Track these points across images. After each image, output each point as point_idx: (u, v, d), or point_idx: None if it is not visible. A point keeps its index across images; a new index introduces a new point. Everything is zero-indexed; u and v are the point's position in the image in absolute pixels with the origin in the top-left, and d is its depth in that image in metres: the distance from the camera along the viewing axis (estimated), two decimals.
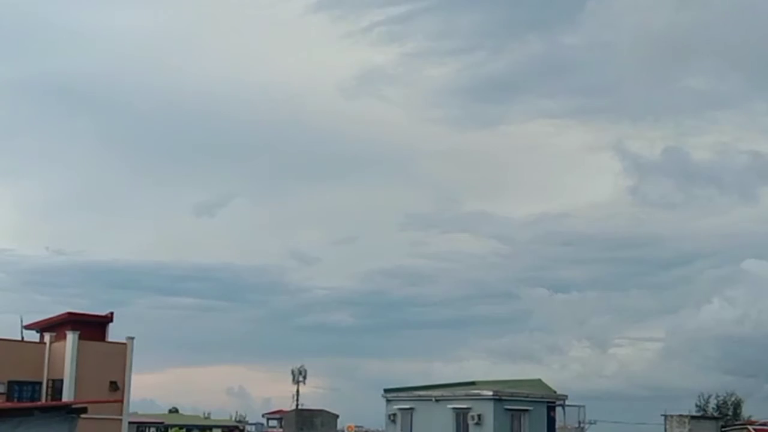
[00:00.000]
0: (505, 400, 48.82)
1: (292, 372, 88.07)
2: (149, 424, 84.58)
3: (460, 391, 50.98)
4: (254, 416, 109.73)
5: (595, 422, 53.84)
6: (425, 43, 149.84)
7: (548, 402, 51.05)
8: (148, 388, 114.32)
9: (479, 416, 48.30)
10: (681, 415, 58.25)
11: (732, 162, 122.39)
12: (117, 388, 42.43)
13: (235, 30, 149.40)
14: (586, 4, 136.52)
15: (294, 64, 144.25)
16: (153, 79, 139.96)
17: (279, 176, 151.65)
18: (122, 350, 43.90)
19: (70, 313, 45.10)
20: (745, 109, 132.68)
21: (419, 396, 52.87)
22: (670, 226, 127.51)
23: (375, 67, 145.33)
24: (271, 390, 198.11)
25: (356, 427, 76.36)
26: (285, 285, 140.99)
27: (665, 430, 57.52)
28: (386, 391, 55.29)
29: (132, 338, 44.57)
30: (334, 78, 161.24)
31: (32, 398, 41.68)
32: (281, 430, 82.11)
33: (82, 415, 22.32)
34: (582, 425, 52.27)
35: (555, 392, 52.91)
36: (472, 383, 52.02)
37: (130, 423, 47.57)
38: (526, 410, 49.35)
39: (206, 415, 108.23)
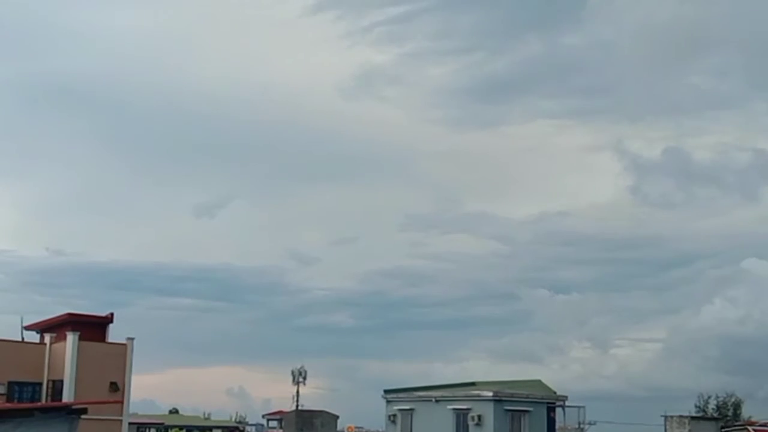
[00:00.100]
0: (505, 400, 48.87)
1: (292, 373, 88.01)
2: (149, 425, 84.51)
3: (460, 392, 51.03)
4: (254, 417, 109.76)
5: (595, 423, 53.89)
6: (425, 43, 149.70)
7: (548, 403, 51.09)
8: (148, 389, 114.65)
9: (479, 417, 48.33)
10: (681, 416, 58.23)
11: (733, 162, 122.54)
12: (117, 388, 42.45)
13: (235, 30, 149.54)
14: (587, 3, 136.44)
15: (293, 64, 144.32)
16: (153, 79, 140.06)
17: (279, 177, 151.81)
18: (122, 351, 43.92)
19: (70, 314, 45.11)
20: (746, 109, 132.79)
21: (419, 397, 52.91)
22: (670, 227, 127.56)
23: (375, 67, 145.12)
24: (271, 391, 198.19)
25: (356, 427, 76.37)
26: (285, 286, 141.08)
27: (665, 430, 57.49)
28: (386, 391, 55.34)
29: (132, 339, 44.60)
30: (333, 78, 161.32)
31: (32, 399, 41.68)
32: (281, 430, 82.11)
33: (83, 416, 22.32)
34: (582, 426, 52.31)
35: (555, 393, 52.95)
36: (472, 384, 52.06)
37: (130, 424, 47.56)
38: (526, 411, 49.40)
39: (206, 415, 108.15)
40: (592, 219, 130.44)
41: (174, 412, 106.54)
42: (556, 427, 51.10)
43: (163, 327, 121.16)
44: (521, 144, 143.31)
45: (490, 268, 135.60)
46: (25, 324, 46.36)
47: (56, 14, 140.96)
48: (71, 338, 42.34)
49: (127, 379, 43.59)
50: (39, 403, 37.34)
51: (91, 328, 44.10)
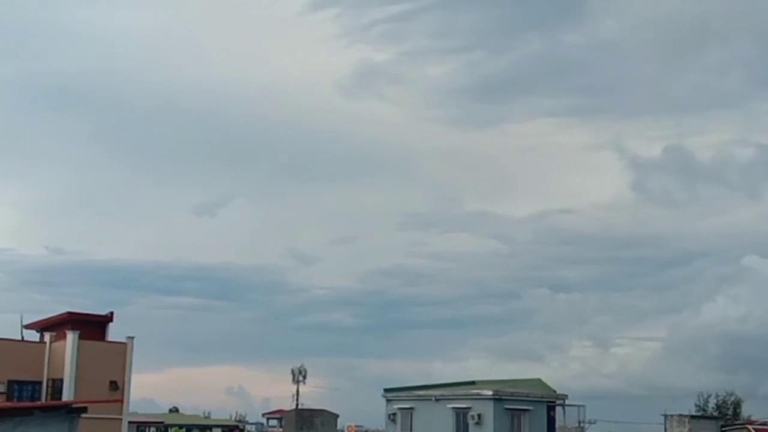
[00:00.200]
0: (505, 399, 48.83)
1: (292, 372, 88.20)
2: (149, 424, 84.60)
3: (460, 391, 50.99)
4: (254, 416, 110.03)
5: (594, 422, 53.93)
6: (425, 42, 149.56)
7: (548, 402, 51.06)
8: (148, 388, 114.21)
9: (479, 416, 48.31)
10: (681, 415, 58.26)
11: (734, 160, 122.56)
12: (117, 387, 42.44)
13: (235, 29, 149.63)
14: (587, 1, 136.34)
15: (293, 63, 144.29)
16: (153, 79, 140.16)
17: (278, 176, 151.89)
18: (122, 350, 43.90)
19: (70, 313, 45.11)
20: (747, 107, 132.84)
21: (419, 396, 52.89)
22: (671, 225, 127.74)
23: (374, 66, 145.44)
24: (271, 390, 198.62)
25: (356, 426, 76.36)
26: (285, 285, 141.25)
27: (665, 429, 57.52)
28: (386, 390, 55.33)
29: (132, 338, 44.58)
30: (333, 77, 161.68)
31: (32, 398, 41.66)
32: (281, 429, 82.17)
33: (82, 415, 22.30)
34: (582, 425, 52.31)
35: (555, 392, 52.93)
36: (472, 383, 52.02)
37: (130, 422, 47.57)
38: (526, 410, 49.36)
39: (206, 414, 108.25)
40: (593, 218, 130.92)
41: (174, 411, 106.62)
42: (556, 426, 51.08)
43: (163, 326, 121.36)
44: (521, 143, 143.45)
45: (490, 267, 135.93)
46: (25, 323, 46.45)
47: (56, 14, 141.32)
48: (71, 337, 42.31)
49: (127, 378, 43.57)
50: (39, 402, 37.32)
51: (91, 326, 44.08)
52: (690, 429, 56.15)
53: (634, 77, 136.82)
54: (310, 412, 72.28)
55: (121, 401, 42.12)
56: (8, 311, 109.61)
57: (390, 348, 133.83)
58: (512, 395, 49.44)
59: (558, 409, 51.47)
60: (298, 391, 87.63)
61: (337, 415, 72.60)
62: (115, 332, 45.33)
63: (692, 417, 59.42)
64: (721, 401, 75.20)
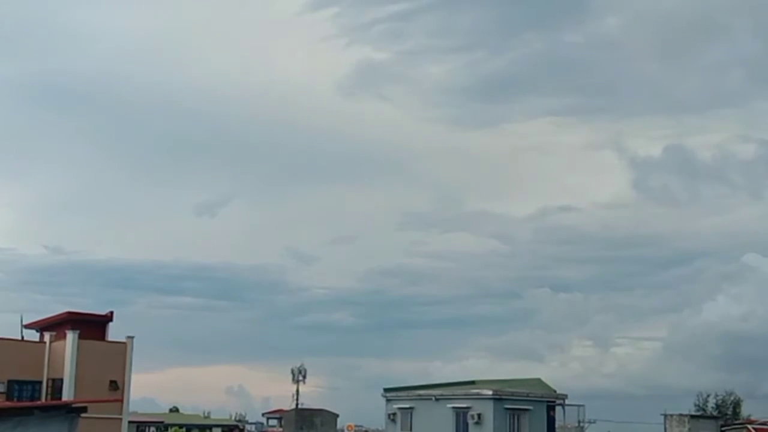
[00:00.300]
0: (505, 399, 48.87)
1: (292, 371, 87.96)
2: (149, 424, 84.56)
3: (460, 391, 51.02)
4: (254, 415, 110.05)
5: (594, 421, 53.98)
6: (425, 41, 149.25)
7: (548, 401, 51.09)
8: (148, 388, 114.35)
9: (479, 415, 48.34)
10: (681, 415, 58.32)
11: (735, 159, 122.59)
12: (117, 387, 42.43)
13: (234, 29, 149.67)
14: (587, 1, 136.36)
15: (293, 62, 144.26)
16: (153, 79, 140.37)
17: (278, 176, 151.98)
18: (122, 349, 43.88)
19: (69, 313, 45.11)
20: (748, 106, 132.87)
21: (419, 395, 52.91)
22: (671, 225, 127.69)
23: (374, 65, 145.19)
24: (270, 389, 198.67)
25: (356, 426, 76.35)
26: (285, 284, 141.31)
27: (665, 429, 57.58)
28: (386, 390, 55.35)
29: (132, 337, 44.55)
30: (332, 77, 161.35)
31: (32, 397, 41.64)
32: (281, 429, 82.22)
33: (82, 415, 22.33)
34: (582, 424, 52.35)
35: (555, 391, 52.95)
36: (472, 382, 52.05)
37: (130, 422, 47.55)
38: (526, 409, 49.39)
39: (206, 414, 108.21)
40: (593, 217, 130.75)
41: (174, 410, 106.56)
42: (556, 425, 51.11)
43: (163, 325, 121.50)
44: (521, 142, 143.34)
45: (490, 266, 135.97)
46: (25, 322, 46.39)
47: (56, 14, 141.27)
48: (71, 337, 42.30)
49: (126, 378, 43.55)
50: (39, 402, 37.35)
51: (91, 326, 44.07)
52: (690, 429, 56.20)
53: (635, 76, 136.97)
54: (310, 411, 72.34)
55: (121, 401, 42.10)
56: (8, 311, 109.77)
57: (390, 348, 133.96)
58: (512, 395, 49.47)
59: (558, 408, 51.51)
60: (298, 390, 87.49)
61: (337, 415, 72.67)
62: (115, 332, 45.39)
63: (692, 417, 59.47)
64: (720, 401, 75.22)
